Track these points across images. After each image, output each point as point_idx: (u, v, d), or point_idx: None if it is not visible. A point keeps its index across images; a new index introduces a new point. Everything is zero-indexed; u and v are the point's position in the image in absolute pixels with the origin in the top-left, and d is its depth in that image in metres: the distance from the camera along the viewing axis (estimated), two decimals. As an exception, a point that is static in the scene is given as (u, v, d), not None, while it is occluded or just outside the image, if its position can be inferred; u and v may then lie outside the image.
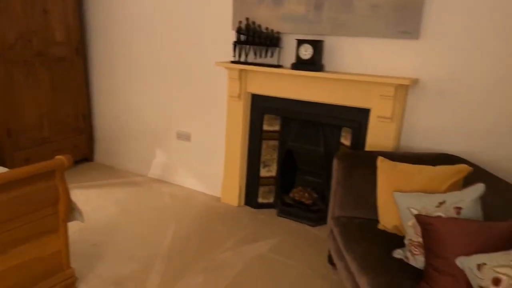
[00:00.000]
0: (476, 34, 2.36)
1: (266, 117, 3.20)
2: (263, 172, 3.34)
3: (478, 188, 1.79)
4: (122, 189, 3.67)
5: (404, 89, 2.56)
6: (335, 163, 2.40)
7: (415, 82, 2.53)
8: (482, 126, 2.44)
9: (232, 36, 3.10)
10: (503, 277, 1.35)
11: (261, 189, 3.37)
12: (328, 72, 2.77)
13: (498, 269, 1.38)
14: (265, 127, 3.23)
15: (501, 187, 1.96)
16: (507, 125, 2.36)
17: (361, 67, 2.72)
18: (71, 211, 2.21)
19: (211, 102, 3.44)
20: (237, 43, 3.04)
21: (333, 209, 2.38)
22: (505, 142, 2.38)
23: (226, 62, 3.10)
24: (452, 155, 2.36)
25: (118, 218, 3.10)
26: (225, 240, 2.84)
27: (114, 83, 4.01)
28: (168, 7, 3.45)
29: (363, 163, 2.33)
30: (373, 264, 1.85)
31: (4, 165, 3.19)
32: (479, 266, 1.45)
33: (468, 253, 1.55)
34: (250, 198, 3.39)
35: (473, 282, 1.47)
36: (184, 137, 3.70)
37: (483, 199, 1.81)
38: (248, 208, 3.39)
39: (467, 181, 2.01)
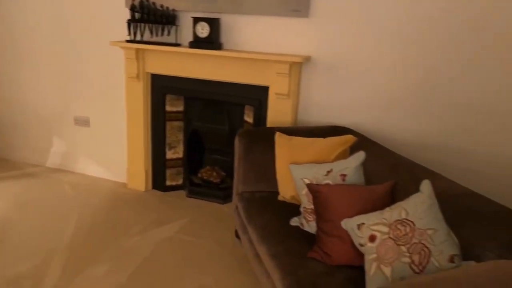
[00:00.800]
0: (360, 14, 2.53)
1: (168, 97, 3.14)
2: (170, 154, 3.29)
3: (360, 156, 1.97)
4: (17, 182, 3.37)
5: (297, 66, 2.68)
6: (236, 141, 2.45)
7: (307, 59, 2.66)
8: (366, 99, 2.65)
9: (126, 14, 2.96)
10: (377, 234, 1.51)
11: (169, 172, 3.32)
12: (225, 50, 2.78)
13: (373, 227, 1.54)
14: (168, 108, 3.16)
15: (381, 153, 2.17)
16: (387, 98, 2.60)
17: (258, 45, 2.78)
18: None
19: (109, 84, 3.27)
20: (131, 21, 2.91)
21: (237, 185, 2.45)
22: (385, 113, 2.62)
23: (121, 42, 2.95)
24: (341, 127, 2.54)
25: (12, 214, 2.85)
26: (132, 226, 2.77)
27: (2, 70, 3.61)
28: (52, -19, 3.16)
29: (263, 139, 2.41)
30: (272, 234, 1.95)
31: None
32: (359, 226, 1.60)
33: (352, 216, 1.70)
34: (158, 182, 3.34)
35: (355, 241, 1.63)
36: (82, 122, 3.48)
37: (366, 165, 2.00)
38: (156, 192, 3.33)
39: (353, 150, 2.18)
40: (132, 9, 2.88)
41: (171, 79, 3.04)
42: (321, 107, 2.76)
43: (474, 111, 2.41)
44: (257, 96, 2.83)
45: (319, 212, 1.83)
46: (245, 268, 2.36)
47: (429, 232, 1.41)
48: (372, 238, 1.52)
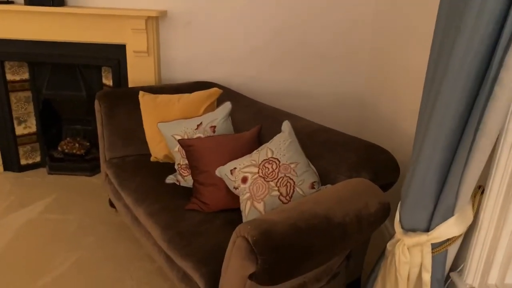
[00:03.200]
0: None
1: (7, 65, 2.72)
2: (20, 130, 2.90)
3: (226, 106, 2.03)
4: None
5: (154, 21, 2.57)
6: (96, 105, 2.29)
7: (163, 14, 2.57)
8: (225, 53, 2.71)
9: None
10: (248, 175, 1.61)
11: (22, 149, 2.95)
12: (70, 6, 2.51)
13: (244, 169, 1.64)
14: (10, 77, 2.75)
15: (246, 103, 2.27)
16: (245, 51, 2.69)
17: (110, 1, 2.56)
18: None
19: None
20: None
21: (103, 152, 2.32)
22: (246, 65, 2.73)
23: None
24: (206, 82, 2.57)
25: None
26: (-16, 215, 2.43)
27: None
28: None
29: (125, 100, 2.30)
30: (147, 195, 1.91)
31: None
32: (232, 171, 1.68)
33: (224, 163, 1.77)
34: (10, 162, 2.94)
35: (230, 185, 1.71)
36: None
37: (232, 116, 2.07)
38: (10, 173, 2.94)
39: (219, 103, 2.24)
40: None
41: (8, 43, 2.62)
42: (184, 63, 2.73)
43: (316, 56, 2.68)
44: (114, 56, 2.65)
45: (194, 165, 1.86)
46: (124, 235, 2.30)
47: (292, 165, 1.56)
48: (244, 180, 1.62)
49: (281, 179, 1.54)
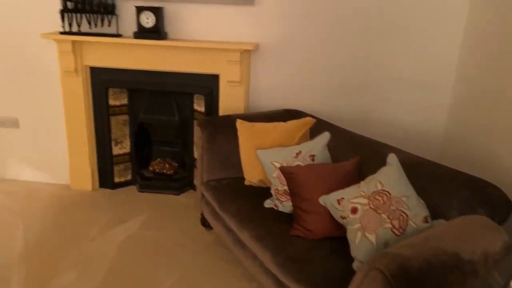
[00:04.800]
0: (301, 2, 2.66)
1: (111, 91, 2.99)
2: (116, 150, 3.16)
3: (325, 136, 2.13)
4: None
5: (248, 53, 2.74)
6: (197, 131, 2.46)
7: (256, 46, 2.73)
8: (312, 82, 2.82)
9: (58, 3, 2.73)
10: (358, 206, 1.68)
11: (116, 168, 3.20)
12: (173, 40, 2.74)
13: (353, 200, 1.71)
14: (112, 102, 3.02)
15: (339, 133, 2.35)
16: (328, 80, 2.80)
17: (205, 33, 2.77)
18: None
19: (39, 80, 3.01)
20: (64, 12, 2.70)
21: (202, 175, 2.47)
22: (328, 93, 2.82)
23: (54, 33, 2.73)
24: (293, 110, 2.69)
25: None
26: (89, 228, 2.65)
27: None
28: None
29: (224, 127, 2.46)
30: (249, 218, 2.03)
31: None
32: (339, 201, 1.76)
33: (326, 192, 1.85)
34: (106, 179, 3.20)
35: (335, 215, 1.78)
36: (10, 123, 3.17)
37: (329, 145, 2.16)
38: (105, 190, 3.19)
39: (312, 132, 2.34)
40: (64, -2, 2.67)
41: (113, 72, 2.90)
42: (270, 91, 2.87)
43: (397, 83, 2.73)
44: (208, 84, 2.84)
45: (295, 192, 1.95)
46: (218, 253, 2.42)
47: (404, 198, 1.62)
48: (354, 210, 1.69)
49: (393, 211, 1.59)
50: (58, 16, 2.74)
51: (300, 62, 2.79)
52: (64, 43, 2.75)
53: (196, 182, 2.63)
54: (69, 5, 2.69)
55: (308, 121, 2.35)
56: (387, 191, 1.64)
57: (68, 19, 2.71)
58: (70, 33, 2.73)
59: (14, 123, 3.16)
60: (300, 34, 2.73)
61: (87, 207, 2.93)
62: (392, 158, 1.74)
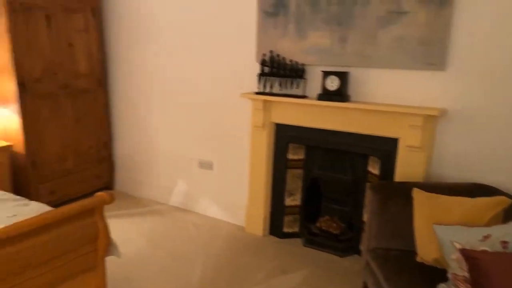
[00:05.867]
0: (499, 66, 2.40)
1: (290, 146, 3.23)
2: (288, 201, 3.34)
3: (524, 222, 1.80)
4: (146, 218, 3.67)
5: (433, 118, 2.59)
6: (369, 194, 2.41)
7: (443, 112, 2.56)
8: (506, 153, 2.46)
9: (256, 68, 3.16)
10: None
11: (286, 218, 3.36)
12: (355, 102, 2.81)
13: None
14: (290, 156, 3.25)
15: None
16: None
17: (388, 97, 2.76)
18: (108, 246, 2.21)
19: (233, 131, 3.48)
20: (261, 75, 3.10)
21: (369, 241, 2.38)
22: (537, 171, 2.39)
23: (251, 93, 3.15)
24: (486, 185, 2.36)
25: (145, 250, 3.09)
26: (255, 273, 2.82)
27: (134, 112, 4.07)
28: (191, 39, 3.53)
29: (398, 194, 2.34)
30: (418, 300, 1.83)
31: (29, 198, 3.20)
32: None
33: (520, 290, 1.54)
34: (275, 228, 3.39)
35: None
36: (206, 166, 3.72)
37: (527, 232, 1.81)
38: (273, 238, 3.37)
39: (506, 214, 2.01)
40: (263, 63, 3.08)
41: (294, 129, 3.13)
42: (458, 161, 2.62)
43: None
44: (385, 147, 2.78)
45: (479, 282, 1.69)
46: (378, 330, 2.24)
47: None
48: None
49: None
50: (255, 79, 3.15)
51: (498, 132, 2.47)
52: (257, 101, 3.14)
53: (362, 247, 2.54)
54: (266, 70, 3.08)
55: (503, 200, 2.03)
56: None
57: (264, 82, 3.10)
58: (263, 93, 3.10)
59: (209, 166, 3.70)
60: (499, 101, 2.44)
61: (257, 251, 3.14)
62: None
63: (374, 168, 2.93)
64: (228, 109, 3.47)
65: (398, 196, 2.33)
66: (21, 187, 3.47)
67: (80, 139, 3.88)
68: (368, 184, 2.74)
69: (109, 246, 2.16)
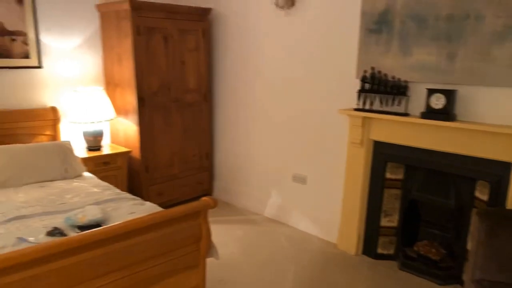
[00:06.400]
0: None
1: (389, 164, 3.14)
2: (384, 222, 3.24)
3: None
4: (240, 226, 3.85)
5: (556, 143, 2.34)
6: (475, 221, 2.24)
7: None
8: None
9: (354, 84, 3.16)
10: None
11: (381, 239, 3.26)
12: (462, 122, 2.65)
13: None
14: (388, 175, 3.16)
15: None
16: None
17: (500, 117, 2.55)
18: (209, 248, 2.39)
19: (329, 147, 3.50)
20: (361, 91, 3.09)
21: (473, 271, 2.21)
22: None
23: (349, 110, 3.15)
24: None
25: (239, 256, 3.25)
26: (346, 291, 2.79)
27: (234, 126, 4.32)
28: (291, 56, 3.66)
29: (510, 222, 2.15)
30: None
31: (141, 198, 3.58)
32: None
33: None
34: (369, 248, 3.30)
35: None
36: (300, 179, 3.78)
37: None
38: (366, 257, 3.29)
39: None
40: (363, 80, 3.07)
41: (394, 147, 3.05)
42: None
43: None
44: (495, 171, 2.57)
45: None
46: None
47: None
48: None
49: None
50: (355, 95, 3.15)
51: None
52: (356, 118, 3.13)
53: (466, 278, 2.36)
54: (367, 86, 3.06)
55: None
56: None
57: (363, 98, 3.08)
58: (363, 110, 3.08)
59: (303, 180, 3.76)
60: None
61: (349, 269, 3.09)
62: None
63: (482, 193, 2.71)
64: (324, 125, 3.51)
65: (509, 226, 2.13)
66: (135, 188, 3.89)
67: (186, 148, 4.23)
68: (474, 210, 2.56)
69: (210, 248, 2.33)
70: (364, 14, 3.08)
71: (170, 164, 4.13)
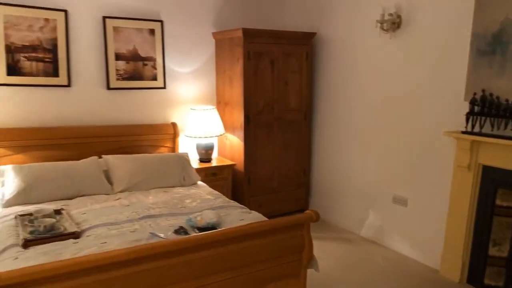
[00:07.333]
0: None
1: (499, 191, 2.98)
2: (493, 251, 3.06)
3: None
4: (335, 243, 3.91)
5: None
6: None
7: None
8: None
9: (459, 107, 3.09)
10: None
11: (488, 269, 3.08)
12: None
13: None
14: (498, 202, 3.00)
15: None
16: None
17: None
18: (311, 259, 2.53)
19: (431, 169, 3.42)
20: (470, 114, 3.00)
21: None
22: None
23: (456, 132, 3.08)
24: None
25: (336, 272, 3.32)
26: (449, 319, 2.70)
27: (333, 144, 4.43)
28: (393, 77, 3.69)
29: None
30: None
31: (244, 209, 3.87)
32: None
33: None
34: (474, 277, 3.14)
35: None
36: (400, 201, 3.74)
37: None
38: (471, 287, 3.13)
39: None
40: (472, 102, 2.98)
41: (505, 172, 2.90)
42: None
43: None
44: None
45: None
46: None
47: None
48: None
49: None
50: (460, 118, 3.07)
51: None
52: (464, 141, 3.04)
53: None
54: (476, 109, 2.97)
55: None
56: None
57: (472, 121, 2.99)
58: (471, 133, 2.99)
59: (403, 202, 3.71)
60: None
61: (451, 297, 2.98)
62: None
63: None
64: (427, 147, 3.45)
65: None
66: (237, 198, 4.20)
67: (285, 163, 4.45)
68: None
69: (311, 259, 2.47)
70: (475, 35, 3.01)
71: (270, 178, 4.38)
